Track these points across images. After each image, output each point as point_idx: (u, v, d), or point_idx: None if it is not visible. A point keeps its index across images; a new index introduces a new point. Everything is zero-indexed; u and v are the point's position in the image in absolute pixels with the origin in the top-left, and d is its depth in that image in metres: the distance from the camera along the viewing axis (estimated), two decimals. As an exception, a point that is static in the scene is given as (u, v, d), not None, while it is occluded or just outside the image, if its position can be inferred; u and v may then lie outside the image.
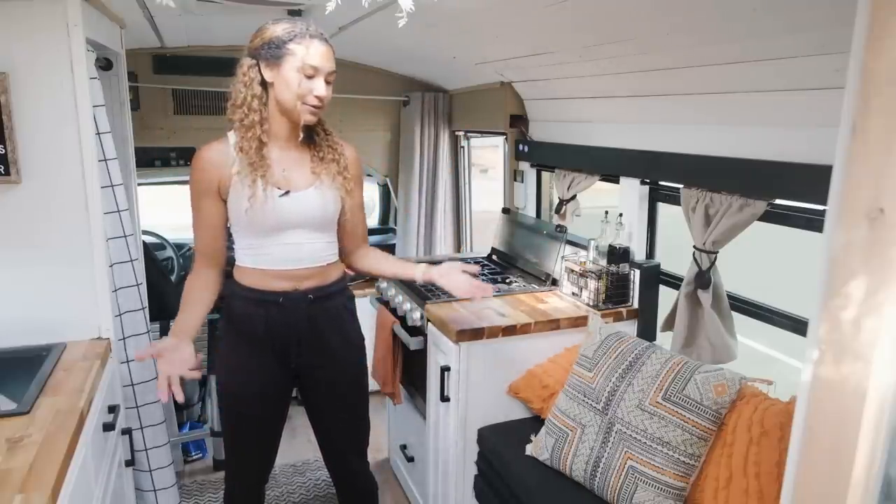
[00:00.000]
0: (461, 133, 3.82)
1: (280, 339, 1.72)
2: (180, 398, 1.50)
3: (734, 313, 1.97)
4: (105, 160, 1.93)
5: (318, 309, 1.73)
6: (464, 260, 3.03)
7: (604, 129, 2.46)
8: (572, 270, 2.47)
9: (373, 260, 1.92)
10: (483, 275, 2.76)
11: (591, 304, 2.35)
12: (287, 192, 1.63)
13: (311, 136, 1.70)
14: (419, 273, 1.85)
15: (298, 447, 3.11)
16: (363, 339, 1.90)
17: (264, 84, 1.59)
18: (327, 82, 1.59)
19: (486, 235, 3.59)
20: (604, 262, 2.34)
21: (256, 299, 1.69)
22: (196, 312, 1.67)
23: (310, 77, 1.55)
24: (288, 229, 1.65)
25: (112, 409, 1.74)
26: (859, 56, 0.44)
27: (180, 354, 1.54)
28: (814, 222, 1.67)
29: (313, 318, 1.72)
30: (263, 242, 1.66)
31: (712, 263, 1.93)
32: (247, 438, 1.81)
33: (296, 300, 1.69)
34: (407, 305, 2.47)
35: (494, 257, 3.07)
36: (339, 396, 1.84)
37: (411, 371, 2.54)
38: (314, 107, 1.58)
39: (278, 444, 1.91)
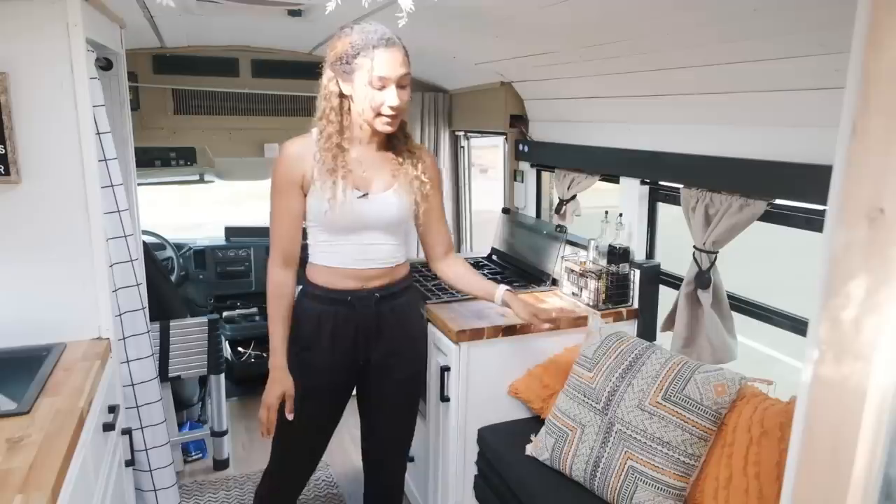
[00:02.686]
0: (461, 133, 3.82)
1: (348, 337, 1.75)
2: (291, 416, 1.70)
3: (734, 313, 1.97)
4: (105, 160, 1.92)
5: (385, 307, 1.77)
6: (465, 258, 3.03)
7: (604, 129, 2.46)
8: (572, 270, 2.47)
9: (454, 273, 1.92)
10: (483, 274, 2.76)
11: (591, 304, 2.35)
12: (366, 195, 1.67)
13: (391, 139, 1.73)
14: (498, 295, 1.85)
15: (298, 447, 3.11)
16: (426, 336, 1.96)
17: (343, 95, 1.63)
18: (401, 86, 1.59)
19: (486, 235, 3.59)
20: (604, 262, 2.34)
21: (326, 298, 1.73)
22: (287, 331, 1.74)
23: (381, 88, 1.56)
24: (363, 230, 1.70)
25: (112, 409, 1.74)
26: (859, 56, 0.44)
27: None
28: (814, 222, 1.67)
29: (381, 315, 1.76)
30: (337, 240, 1.71)
31: (712, 263, 1.93)
32: (303, 437, 1.82)
33: (363, 298, 1.74)
34: (407, 305, 2.47)
35: (494, 257, 3.07)
36: (401, 392, 1.88)
37: (411, 371, 2.54)
38: (389, 117, 1.60)
39: (325, 448, 1.92)
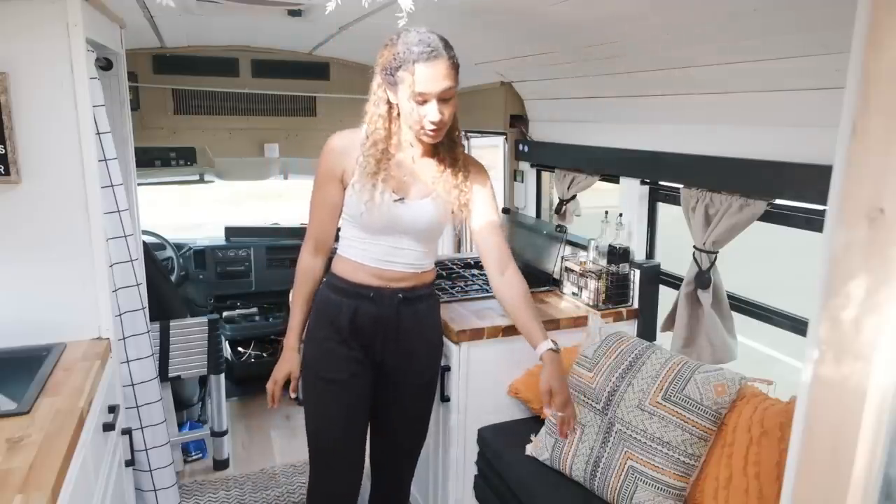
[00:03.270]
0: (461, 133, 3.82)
1: (366, 333, 1.75)
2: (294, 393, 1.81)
3: (734, 313, 1.97)
4: (105, 160, 1.92)
5: (407, 309, 1.76)
6: (462, 260, 3.03)
7: (604, 129, 2.46)
8: (572, 270, 2.47)
9: (506, 299, 1.80)
10: (483, 275, 2.76)
11: (591, 304, 2.35)
12: (402, 199, 1.66)
13: (437, 146, 1.71)
14: (539, 350, 1.72)
15: (299, 447, 3.11)
16: (442, 343, 1.93)
17: (391, 102, 1.62)
18: (444, 100, 1.56)
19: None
20: (604, 262, 2.34)
21: (350, 291, 1.74)
22: (305, 314, 1.81)
23: (422, 103, 1.54)
24: (395, 233, 1.69)
25: (112, 409, 1.74)
26: (859, 56, 0.44)
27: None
28: (814, 222, 1.67)
29: (401, 316, 1.75)
30: (367, 238, 1.71)
31: (712, 263, 1.93)
32: (335, 433, 1.80)
33: (386, 296, 1.73)
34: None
35: (494, 257, 3.06)
36: (415, 397, 1.87)
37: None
38: (432, 130, 1.59)
39: (364, 450, 1.88)
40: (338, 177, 1.69)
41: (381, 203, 1.62)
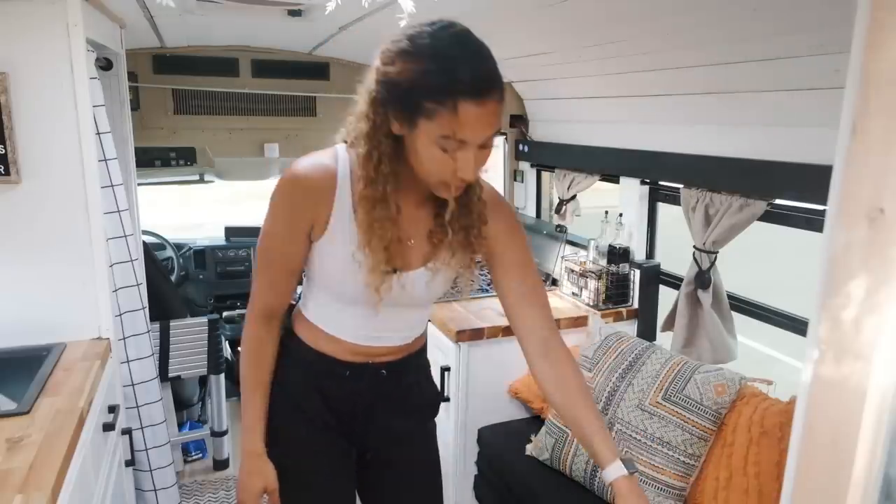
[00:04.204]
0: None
1: (340, 414, 1.34)
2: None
3: (734, 313, 1.97)
4: (105, 160, 1.92)
5: (391, 384, 1.34)
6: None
7: (604, 129, 2.46)
8: (572, 270, 2.47)
9: (560, 393, 1.22)
10: (483, 275, 2.76)
11: (591, 304, 2.35)
12: (395, 271, 1.18)
13: None
14: (610, 472, 1.12)
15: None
16: (438, 405, 1.50)
17: (395, 134, 1.07)
18: (483, 147, 1.05)
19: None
20: (604, 262, 2.34)
21: (314, 364, 1.31)
22: (266, 405, 1.31)
23: (455, 150, 1.02)
24: (383, 306, 1.22)
25: (112, 409, 1.74)
26: (859, 56, 0.44)
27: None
28: (814, 222, 1.68)
29: (383, 393, 1.34)
30: (346, 309, 1.26)
31: (712, 263, 1.93)
32: None
33: (363, 373, 1.31)
34: (407, 305, 2.47)
35: (494, 257, 3.07)
36: (407, 481, 1.44)
37: (411, 371, 2.54)
38: (460, 187, 1.09)
39: None
40: (305, 229, 1.18)
41: (369, 278, 1.15)
